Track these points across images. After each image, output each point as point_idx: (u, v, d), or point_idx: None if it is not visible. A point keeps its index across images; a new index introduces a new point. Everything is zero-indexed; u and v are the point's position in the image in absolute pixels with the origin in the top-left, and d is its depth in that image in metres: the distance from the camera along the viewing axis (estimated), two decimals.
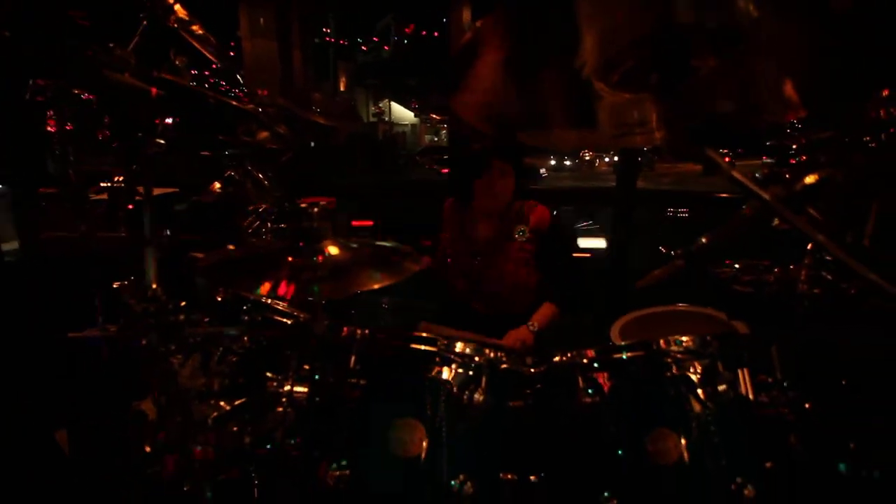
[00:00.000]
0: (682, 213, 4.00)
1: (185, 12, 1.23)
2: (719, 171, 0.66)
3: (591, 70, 0.69)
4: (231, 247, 1.05)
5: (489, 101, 0.75)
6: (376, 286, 0.79)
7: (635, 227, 3.19)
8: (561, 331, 1.79)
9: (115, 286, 0.84)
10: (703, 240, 0.90)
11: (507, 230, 1.78)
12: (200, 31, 1.29)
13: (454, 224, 1.87)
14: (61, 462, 1.75)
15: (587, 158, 21.00)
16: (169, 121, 1.25)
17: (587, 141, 0.95)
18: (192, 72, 1.12)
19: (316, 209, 0.82)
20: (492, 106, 0.77)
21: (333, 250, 0.85)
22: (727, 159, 0.56)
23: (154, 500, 0.85)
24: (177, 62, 1.05)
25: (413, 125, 29.72)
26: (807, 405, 0.93)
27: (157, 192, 0.94)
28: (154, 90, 1.00)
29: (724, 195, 3.38)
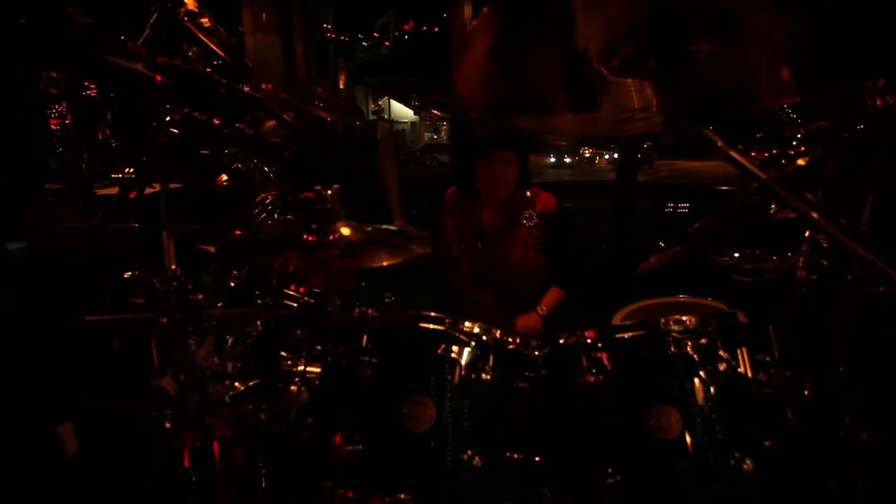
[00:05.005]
0: (683, 208, 4.02)
1: (194, 4, 1.25)
2: (717, 152, 0.68)
3: (595, 54, 0.71)
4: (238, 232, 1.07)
5: (485, 83, 0.76)
6: (385, 263, 0.82)
7: (634, 219, 3.21)
8: (563, 323, 1.82)
9: (126, 276, 0.85)
10: (698, 224, 0.91)
11: (513, 217, 1.81)
12: (209, 24, 1.31)
13: (457, 212, 1.89)
14: (67, 456, 1.77)
15: (587, 155, 21.00)
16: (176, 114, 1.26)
17: (587, 126, 0.96)
18: (208, 69, 1.14)
19: (329, 191, 0.85)
20: (488, 87, 0.77)
21: (345, 231, 0.87)
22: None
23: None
24: (189, 53, 1.07)
25: (413, 123, 29.74)
26: (804, 388, 0.95)
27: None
28: (159, 78, 1.00)
29: (725, 188, 3.39)
